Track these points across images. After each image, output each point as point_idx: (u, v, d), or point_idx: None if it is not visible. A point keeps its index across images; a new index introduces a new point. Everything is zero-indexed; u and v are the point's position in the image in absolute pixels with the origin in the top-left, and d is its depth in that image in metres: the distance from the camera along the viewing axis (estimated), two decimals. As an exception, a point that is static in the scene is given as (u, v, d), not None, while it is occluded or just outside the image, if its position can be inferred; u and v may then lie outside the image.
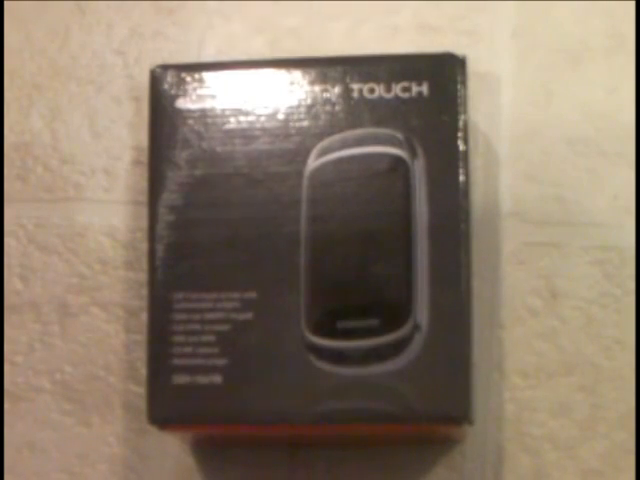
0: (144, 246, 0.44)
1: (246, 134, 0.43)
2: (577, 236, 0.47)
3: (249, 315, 0.42)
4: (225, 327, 0.42)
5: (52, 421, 0.48)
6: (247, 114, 0.44)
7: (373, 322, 0.41)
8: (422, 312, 0.41)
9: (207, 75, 0.44)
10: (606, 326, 0.47)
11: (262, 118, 0.43)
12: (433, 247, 0.42)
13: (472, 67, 0.44)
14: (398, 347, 0.41)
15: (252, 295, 0.42)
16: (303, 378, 0.41)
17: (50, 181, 0.50)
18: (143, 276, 0.45)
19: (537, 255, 0.47)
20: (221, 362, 0.42)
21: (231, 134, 0.43)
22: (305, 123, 0.43)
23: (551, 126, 0.49)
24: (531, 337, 0.47)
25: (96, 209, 0.50)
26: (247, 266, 0.42)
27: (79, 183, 0.50)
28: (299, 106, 0.43)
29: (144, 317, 0.43)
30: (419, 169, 0.42)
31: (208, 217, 0.43)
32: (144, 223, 0.44)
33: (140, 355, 0.48)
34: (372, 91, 0.43)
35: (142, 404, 0.42)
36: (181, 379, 0.42)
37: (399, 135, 0.43)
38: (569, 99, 0.49)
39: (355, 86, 0.43)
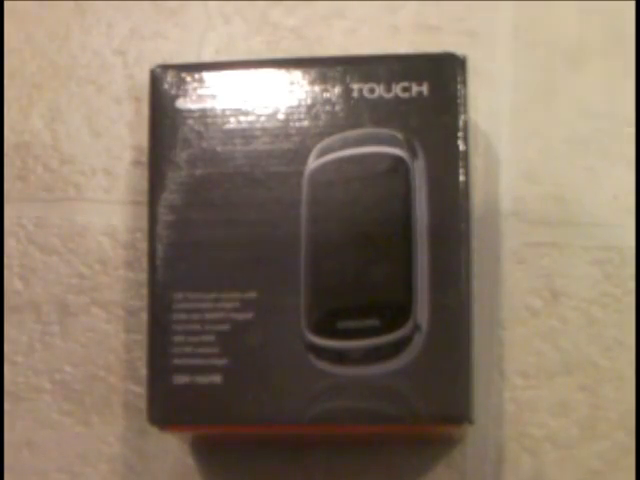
0: (144, 246, 0.44)
1: (246, 134, 0.43)
2: (577, 236, 0.47)
3: (249, 315, 0.42)
4: (225, 327, 0.42)
5: (52, 421, 0.48)
6: (247, 114, 0.44)
7: (373, 322, 0.41)
8: (422, 312, 0.41)
9: (207, 75, 0.44)
10: (606, 326, 0.47)
11: (262, 118, 0.43)
12: (433, 247, 0.42)
13: (472, 67, 0.44)
14: (398, 347, 0.41)
15: (252, 295, 0.42)
16: (303, 378, 0.41)
17: (50, 181, 0.50)
18: (143, 276, 0.45)
19: (537, 255, 0.47)
20: (221, 362, 0.42)
21: (231, 134, 0.43)
22: (305, 123, 0.43)
23: (551, 126, 0.49)
24: (531, 337, 0.47)
25: (96, 209, 0.50)
26: (247, 266, 0.42)
27: (79, 183, 0.50)
28: (299, 106, 0.43)
29: (144, 317, 0.43)
30: (419, 169, 0.42)
31: (208, 217, 0.43)
32: (144, 223, 0.44)
33: (140, 355, 0.48)
34: (372, 91, 0.43)
35: (142, 404, 0.43)
36: (181, 379, 0.42)
37: (399, 135, 0.42)
38: (569, 99, 0.49)
39: (355, 86, 0.43)
